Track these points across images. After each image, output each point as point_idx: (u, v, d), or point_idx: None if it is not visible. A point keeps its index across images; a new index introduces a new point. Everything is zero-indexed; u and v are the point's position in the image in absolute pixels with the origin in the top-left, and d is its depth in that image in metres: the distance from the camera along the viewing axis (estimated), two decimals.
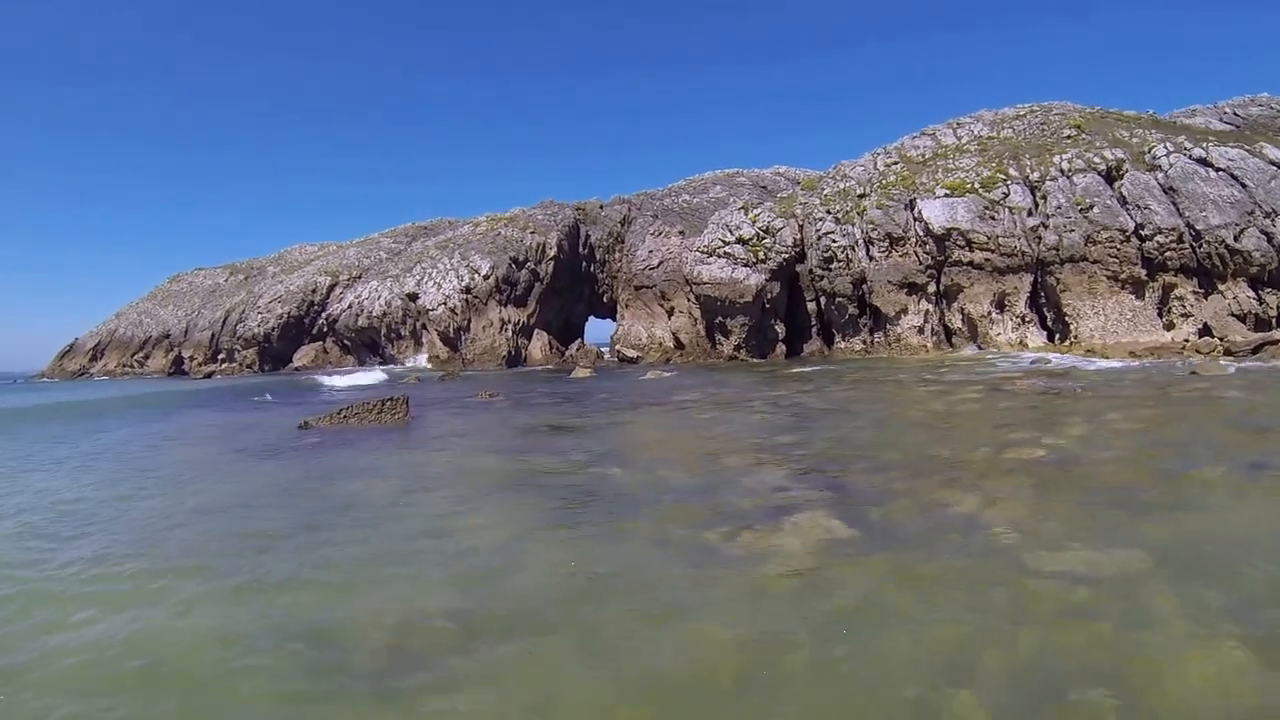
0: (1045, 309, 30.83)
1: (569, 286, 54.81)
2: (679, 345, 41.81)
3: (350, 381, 35.14)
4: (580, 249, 55.72)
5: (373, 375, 39.59)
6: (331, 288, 59.93)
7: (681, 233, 48.81)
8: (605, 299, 56.34)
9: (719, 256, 38.41)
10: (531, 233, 53.22)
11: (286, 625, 5.36)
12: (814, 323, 37.69)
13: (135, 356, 70.99)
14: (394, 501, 8.86)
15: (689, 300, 41.18)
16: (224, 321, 66.26)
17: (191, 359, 66.56)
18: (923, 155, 38.55)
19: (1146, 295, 28.76)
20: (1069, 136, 35.45)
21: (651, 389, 24.21)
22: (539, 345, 49.69)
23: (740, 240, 38.38)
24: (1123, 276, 28.83)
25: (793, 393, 19.20)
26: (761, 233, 38.24)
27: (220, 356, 64.87)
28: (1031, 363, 23.98)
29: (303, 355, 57.27)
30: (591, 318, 58.91)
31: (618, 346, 44.74)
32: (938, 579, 5.42)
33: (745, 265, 37.35)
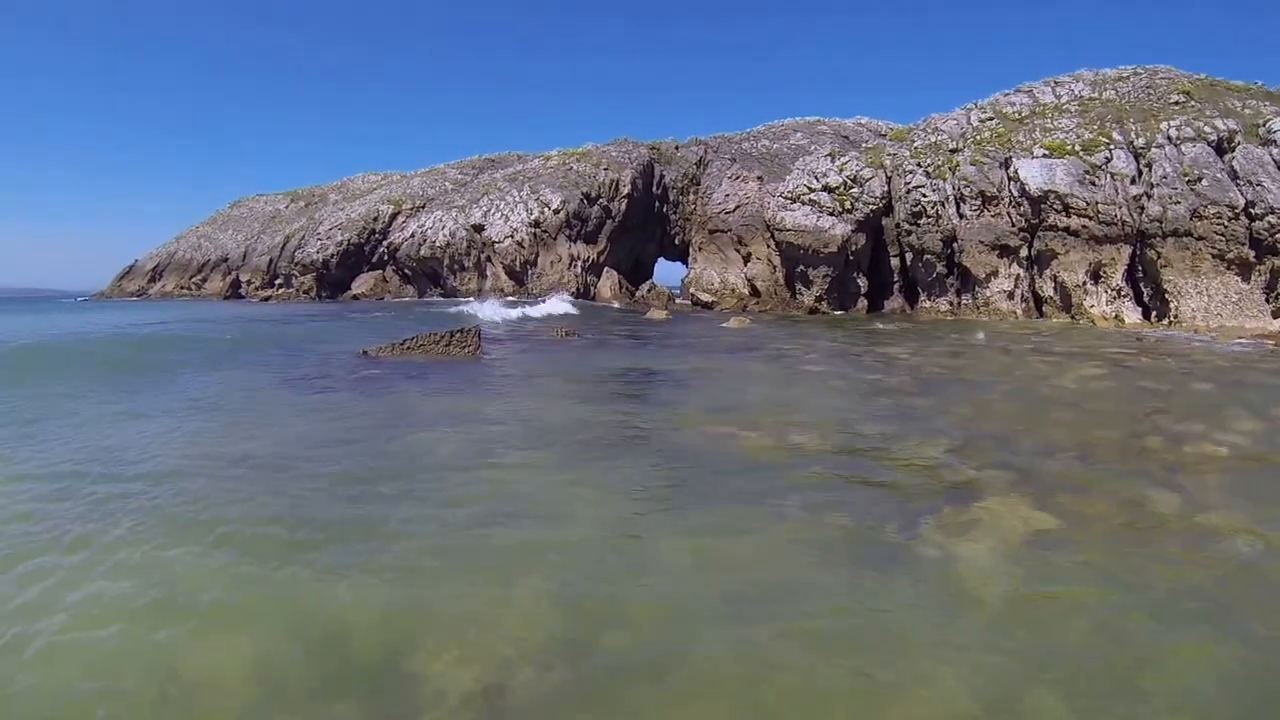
0: (1142, 284, 30.88)
1: (640, 226, 55.27)
2: (755, 293, 42.34)
3: (504, 314, 32.23)
4: (654, 189, 56.05)
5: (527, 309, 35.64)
6: (394, 216, 60.80)
7: (760, 178, 48.98)
8: (677, 241, 56.81)
9: (804, 204, 38.73)
10: (605, 169, 53.63)
11: (332, 658, 4.29)
12: (897, 279, 38.05)
13: (193, 279, 73.05)
14: (465, 464, 8.00)
15: (768, 247, 41.59)
16: (283, 247, 67.63)
17: (249, 283, 68.33)
18: (1019, 113, 38.36)
19: (1253, 278, 28.71)
20: (1176, 103, 35.07)
21: (740, 336, 24.83)
22: (608, 284, 50.38)
23: (827, 188, 38.63)
24: (1229, 256, 28.79)
25: (897, 352, 19.72)
26: (849, 182, 38.46)
27: (277, 282, 66.38)
28: (1138, 339, 24.37)
29: (361, 283, 58.41)
30: (661, 259, 59.51)
31: (691, 290, 45.34)
32: (1198, 595, 4.95)
33: (831, 214, 37.66)
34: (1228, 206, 29.33)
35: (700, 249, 48.48)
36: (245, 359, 17.45)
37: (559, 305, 37.84)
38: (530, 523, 6.34)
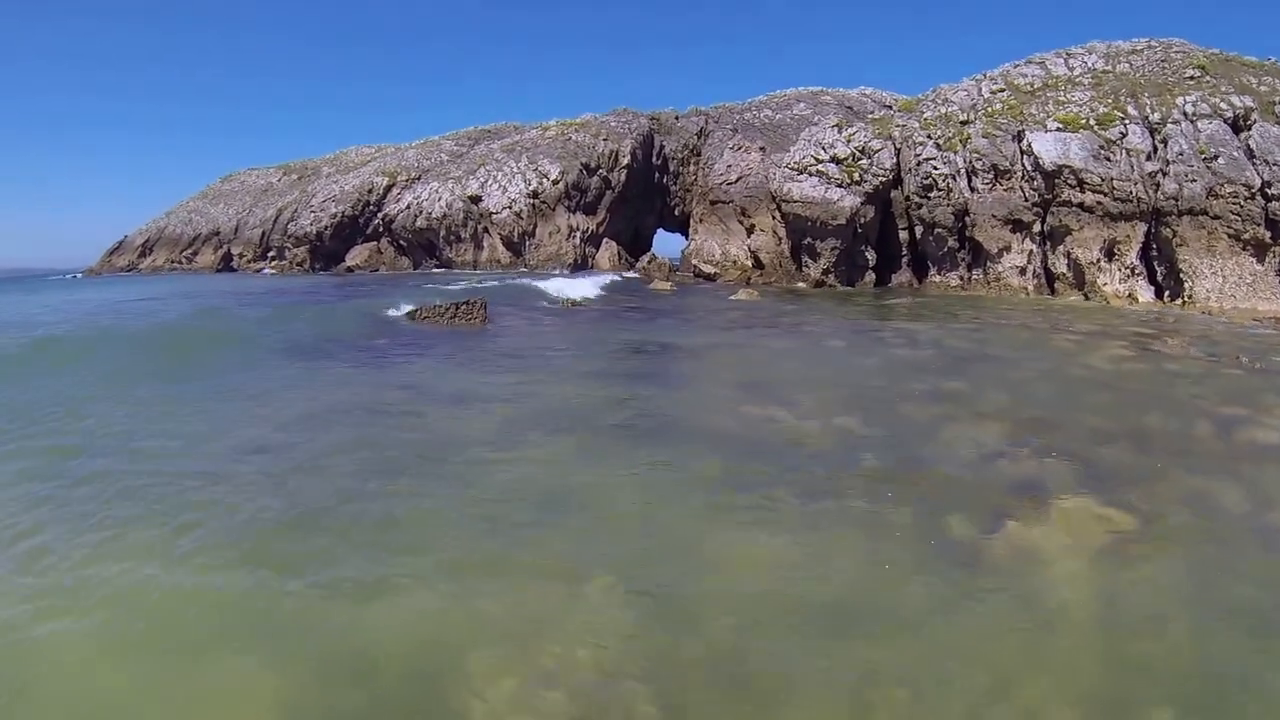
0: (1156, 263, 30.78)
1: (640, 197, 55.02)
2: (758, 265, 42.21)
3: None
4: (654, 159, 55.75)
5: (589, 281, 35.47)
6: (389, 188, 60.26)
7: (763, 148, 48.74)
8: (677, 212, 56.59)
9: (811, 175, 38.49)
10: (604, 139, 53.31)
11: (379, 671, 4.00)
12: (905, 253, 37.94)
13: (184, 253, 72.83)
14: (502, 455, 7.63)
15: (773, 219, 41.39)
16: (275, 220, 67.31)
17: (241, 256, 68.12)
18: (1031, 85, 38.13)
19: (1267, 260, 28.64)
20: (1192, 78, 34.84)
21: (751, 309, 24.78)
22: (607, 255, 50.21)
23: (834, 159, 38.39)
24: (1245, 236, 28.69)
25: (916, 328, 19.68)
26: (857, 152, 38.22)
27: (270, 254, 66.05)
28: (1156, 319, 24.36)
29: (356, 255, 57.91)
30: (660, 230, 59.31)
31: (693, 261, 45.17)
32: None
33: (839, 185, 37.43)
34: (1244, 185, 29.22)
35: (701, 220, 48.31)
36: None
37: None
38: (582, 519, 6.14)
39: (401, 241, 56.18)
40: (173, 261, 72.77)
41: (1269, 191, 28.96)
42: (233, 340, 15.73)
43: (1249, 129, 30.93)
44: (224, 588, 4.96)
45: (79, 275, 77.36)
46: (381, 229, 57.86)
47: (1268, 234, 28.68)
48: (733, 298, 28.49)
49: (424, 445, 8.09)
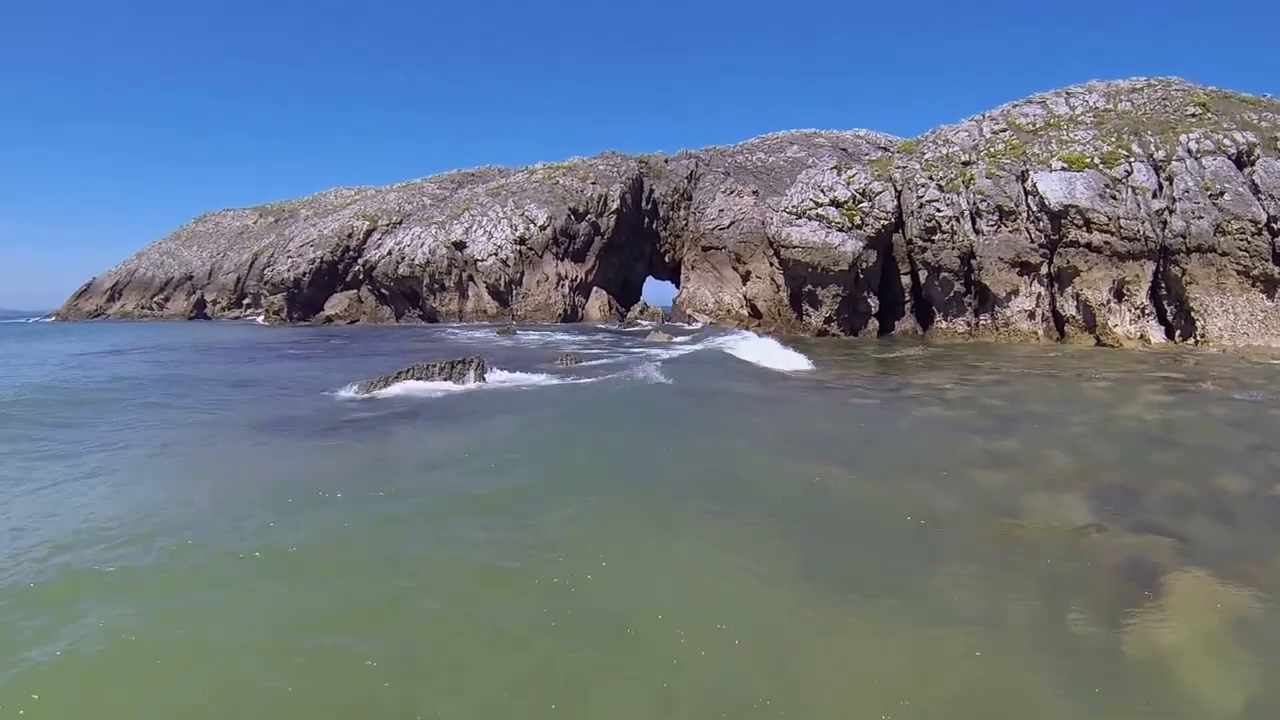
0: (1166, 302, 31.11)
1: (629, 243, 55.23)
2: (755, 313, 42.33)
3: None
4: (643, 204, 56.06)
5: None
6: (369, 233, 60.05)
7: (756, 192, 49.17)
8: (667, 259, 56.77)
9: (810, 219, 38.74)
10: (592, 183, 53.59)
11: None
12: (908, 299, 38.16)
13: (155, 298, 72.47)
14: (575, 538, 7.13)
15: (770, 265, 41.63)
16: (251, 265, 67.27)
17: (214, 303, 67.96)
18: (1033, 124, 38.72)
19: (1278, 296, 29.06)
20: (1193, 115, 35.55)
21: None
22: (597, 304, 50.27)
23: (834, 202, 38.69)
24: (1254, 272, 29.08)
25: (939, 381, 19.62)
26: (858, 195, 38.56)
27: (245, 301, 65.94)
28: (1174, 359, 24.51)
29: (335, 304, 57.49)
30: (650, 278, 59.48)
31: (686, 310, 45.29)
32: None
33: (840, 230, 37.67)
34: (1250, 221, 29.68)
35: (693, 267, 48.55)
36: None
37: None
38: (661, 622, 5.66)
39: (383, 290, 55.84)
40: (143, 307, 72.46)
41: (1275, 226, 29.45)
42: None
43: (1253, 164, 31.53)
44: None
45: (45, 319, 77.03)
46: (362, 276, 57.47)
47: (1276, 269, 29.07)
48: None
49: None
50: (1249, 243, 29.53)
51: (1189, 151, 32.71)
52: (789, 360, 23.55)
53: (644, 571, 6.65)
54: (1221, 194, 30.77)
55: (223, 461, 10.77)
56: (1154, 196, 31.91)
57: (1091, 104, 38.74)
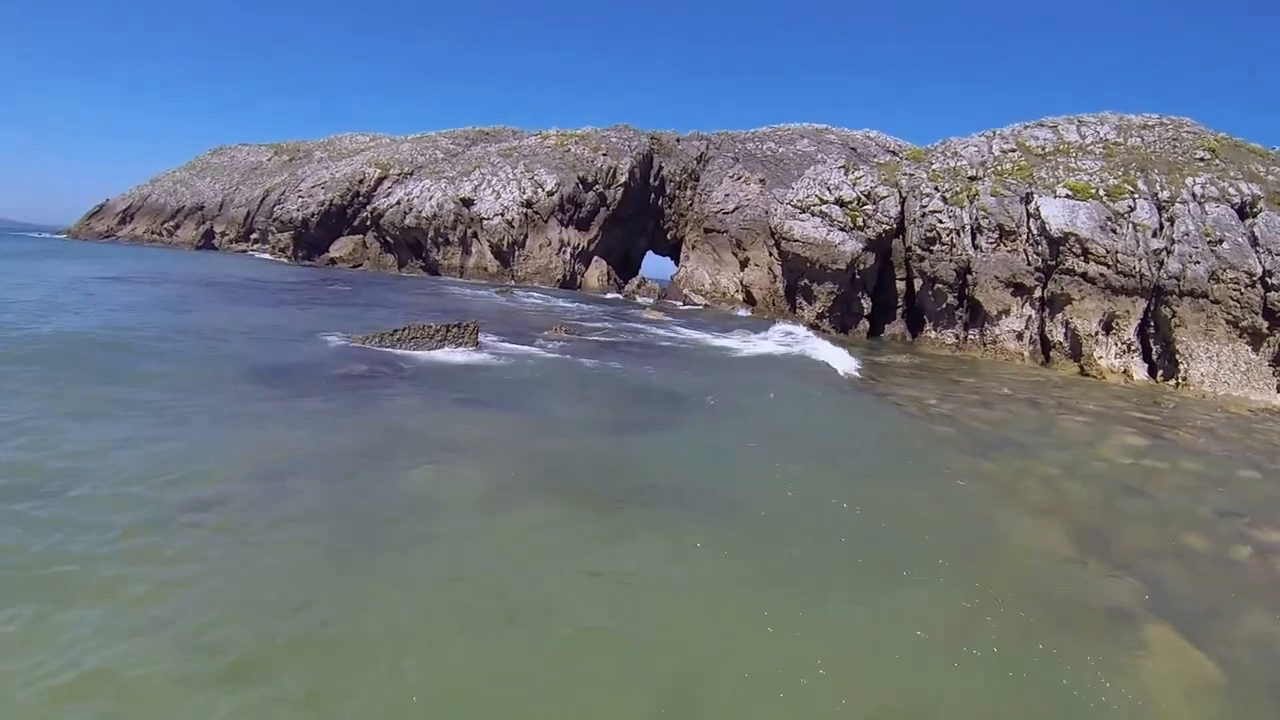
0: (1153, 341, 30.96)
1: (634, 217, 54.86)
2: (749, 299, 42.17)
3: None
4: (651, 180, 55.61)
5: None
6: (380, 180, 59.65)
7: (762, 180, 48.82)
8: (669, 236, 56.44)
9: (814, 215, 38.46)
10: (604, 154, 53.12)
11: None
12: (901, 304, 37.97)
13: (165, 225, 72.43)
14: (489, 536, 6.87)
15: (770, 255, 41.37)
16: (262, 201, 66.89)
17: (223, 235, 67.79)
18: (1042, 148, 38.37)
19: (1263, 349, 28.84)
20: (1201, 159, 35.25)
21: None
22: (596, 274, 49.98)
23: (839, 201, 38.41)
24: (1243, 323, 28.86)
25: (923, 396, 19.53)
26: (863, 197, 38.27)
27: (253, 236, 65.49)
28: (1153, 400, 24.40)
29: (340, 247, 57.21)
30: (650, 253, 59.18)
31: (683, 289, 45.09)
32: None
33: (842, 229, 37.41)
34: (1246, 273, 29.46)
35: (694, 247, 48.31)
36: None
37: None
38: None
39: (388, 238, 55.43)
40: (153, 232, 72.36)
41: (1269, 281, 29.20)
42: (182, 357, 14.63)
43: (1255, 216, 31.26)
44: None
45: (58, 235, 77.17)
46: (369, 222, 57.09)
47: (1265, 323, 28.86)
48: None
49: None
50: (1241, 293, 29.32)
51: (1193, 195, 32.44)
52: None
53: None
54: (1220, 241, 30.54)
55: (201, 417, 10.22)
56: (1154, 235, 31.66)
57: (1102, 135, 38.38)
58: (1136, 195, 32.92)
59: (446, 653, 5.08)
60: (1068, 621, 6.51)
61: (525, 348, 19.30)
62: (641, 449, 10.74)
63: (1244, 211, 31.70)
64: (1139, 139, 37.63)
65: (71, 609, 5.11)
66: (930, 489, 10.33)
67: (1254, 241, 30.38)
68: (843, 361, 23.50)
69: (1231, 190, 32.36)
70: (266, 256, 60.20)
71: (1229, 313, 29.26)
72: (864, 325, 37.47)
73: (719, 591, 6.37)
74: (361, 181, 59.67)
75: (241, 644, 4.92)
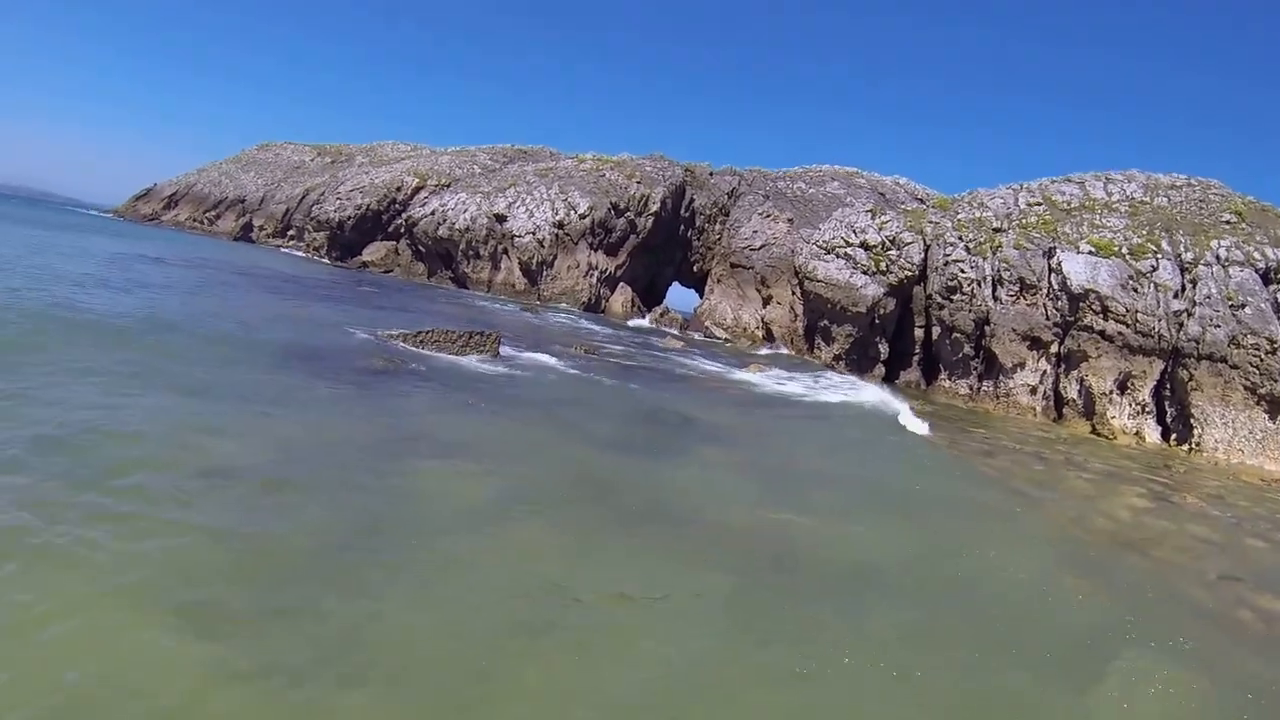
0: (1168, 403, 30.42)
1: (662, 246, 54.85)
2: (769, 336, 42.02)
3: None
4: (682, 211, 55.60)
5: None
6: (417, 190, 60.06)
7: (790, 220, 48.75)
8: (695, 268, 56.32)
9: (838, 257, 38.30)
10: (637, 182, 53.22)
11: None
12: (918, 351, 37.65)
13: (207, 214, 73.92)
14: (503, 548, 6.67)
15: (793, 293, 41.21)
16: (301, 199, 67.72)
17: (260, 229, 68.72)
18: (1068, 203, 38.04)
19: (1279, 419, 28.47)
20: (1228, 222, 34.77)
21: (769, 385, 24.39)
22: (621, 299, 49.96)
23: (864, 245, 38.24)
24: (1261, 391, 28.29)
25: (935, 439, 19.47)
26: (887, 242, 38.07)
27: (289, 233, 66.22)
28: (1164, 463, 24.01)
29: (373, 251, 57.63)
30: (676, 283, 59.16)
31: (705, 321, 44.97)
32: None
33: (865, 273, 37.25)
34: (1267, 339, 28.92)
35: (719, 281, 48.27)
36: None
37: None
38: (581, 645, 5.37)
39: (420, 247, 55.73)
40: (194, 220, 74.38)
41: None
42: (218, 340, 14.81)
43: (1278, 282, 30.83)
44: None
45: (105, 214, 79.79)
46: (403, 230, 57.57)
47: None
48: (744, 370, 28.17)
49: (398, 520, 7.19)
50: (1261, 360, 28.78)
51: (1217, 258, 31.98)
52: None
53: None
54: (1243, 306, 30.06)
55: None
56: (1175, 296, 31.21)
57: (1129, 193, 37.98)
58: (1160, 255, 32.50)
59: (436, 654, 4.99)
60: (1039, 653, 6.32)
61: (545, 361, 19.54)
62: (653, 472, 10.60)
63: (1268, 277, 31.24)
64: (1165, 199, 37.21)
65: (46, 568, 5.14)
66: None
67: (1276, 308, 29.93)
68: (871, 395, 23.49)
69: (1256, 255, 31.91)
70: (301, 254, 60.77)
71: (1248, 379, 28.73)
72: (879, 370, 37.14)
73: (718, 643, 6.14)
74: (399, 189, 60.17)
75: (223, 608, 4.97)
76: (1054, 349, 32.38)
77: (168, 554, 5.51)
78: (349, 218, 59.75)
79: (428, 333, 17.91)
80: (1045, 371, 32.48)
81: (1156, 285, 31.51)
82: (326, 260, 58.02)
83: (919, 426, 20.20)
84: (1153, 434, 29.72)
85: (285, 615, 5.03)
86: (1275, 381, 28.41)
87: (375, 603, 5.33)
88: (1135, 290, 31.46)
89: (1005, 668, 6.32)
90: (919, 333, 37.46)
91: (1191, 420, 29.04)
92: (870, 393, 25.68)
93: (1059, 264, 32.89)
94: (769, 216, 49.58)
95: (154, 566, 5.34)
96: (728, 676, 5.37)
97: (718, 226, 55.46)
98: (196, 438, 7.96)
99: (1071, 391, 31.52)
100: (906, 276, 37.06)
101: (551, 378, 17.63)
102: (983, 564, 9.10)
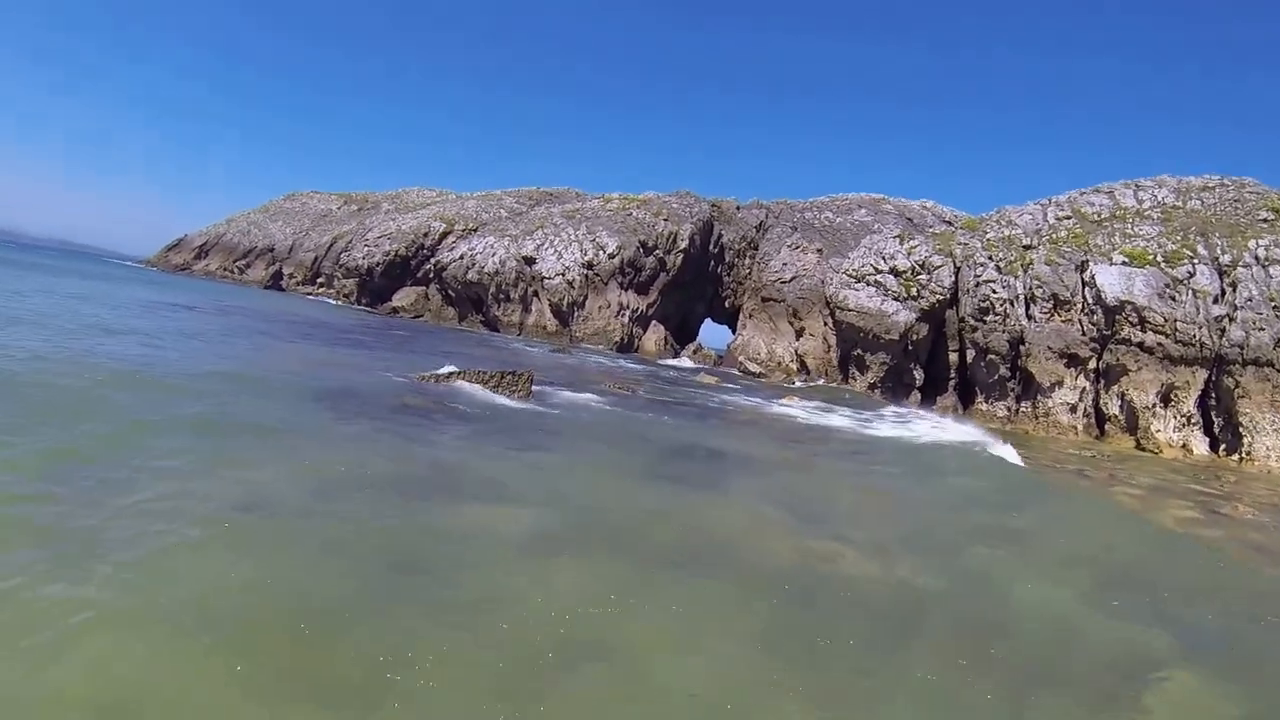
0: (1214, 413, 29.34)
1: (692, 283, 54.71)
2: (803, 368, 41.48)
3: None
4: (710, 247, 55.52)
5: None
6: (445, 235, 60.66)
7: (820, 250, 48.37)
8: (727, 304, 56.06)
9: (868, 284, 37.82)
10: (664, 220, 53.17)
11: None
12: (953, 375, 36.85)
13: (237, 263, 75.69)
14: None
15: (825, 324, 40.75)
16: (329, 247, 68.92)
17: (290, 277, 70.01)
18: (1098, 214, 37.26)
19: None
20: (1265, 220, 33.67)
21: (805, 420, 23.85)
22: (654, 338, 49.70)
23: (894, 271, 37.73)
24: None
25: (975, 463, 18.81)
26: (917, 267, 37.52)
27: (319, 280, 67.23)
28: (1215, 475, 23.02)
29: (403, 296, 58.20)
30: (708, 320, 58.84)
31: (739, 357, 44.49)
32: None
33: (895, 299, 36.72)
34: None
35: (751, 316, 47.89)
36: None
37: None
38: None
39: (450, 291, 56.02)
40: (225, 269, 75.97)
41: None
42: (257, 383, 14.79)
43: None
44: None
45: (139, 264, 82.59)
46: (432, 275, 58.02)
47: None
48: (781, 401, 27.71)
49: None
50: None
51: (1256, 259, 31.00)
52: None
53: None
54: None
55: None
56: (1215, 302, 30.28)
57: (1160, 199, 37.10)
58: (1196, 260, 31.60)
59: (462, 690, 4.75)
60: (1072, 680, 5.77)
61: (579, 399, 19.44)
62: (690, 509, 10.14)
63: None
64: (1199, 201, 36.28)
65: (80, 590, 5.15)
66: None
67: None
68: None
69: None
70: (331, 301, 61.44)
71: None
72: (915, 396, 36.52)
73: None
74: (426, 234, 60.77)
75: (244, 624, 4.99)
76: (1092, 365, 31.50)
77: (203, 581, 5.51)
78: (378, 264, 60.45)
79: (461, 372, 18.11)
80: (1084, 388, 31.57)
81: (1195, 292, 30.61)
82: (357, 306, 58.77)
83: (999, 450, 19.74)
84: (1200, 446, 28.70)
85: (317, 646, 4.91)
86: None
87: (409, 638, 5.14)
88: (1173, 298, 30.57)
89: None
90: (953, 357, 36.75)
91: (1240, 429, 28.00)
92: (960, 431, 24.90)
93: (1092, 277, 32.12)
94: (797, 248, 49.23)
95: (189, 590, 5.35)
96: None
97: (747, 261, 55.24)
98: (234, 472, 8.10)
99: (1113, 407, 30.57)
100: (938, 300, 36.44)
101: (585, 415, 17.43)
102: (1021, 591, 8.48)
